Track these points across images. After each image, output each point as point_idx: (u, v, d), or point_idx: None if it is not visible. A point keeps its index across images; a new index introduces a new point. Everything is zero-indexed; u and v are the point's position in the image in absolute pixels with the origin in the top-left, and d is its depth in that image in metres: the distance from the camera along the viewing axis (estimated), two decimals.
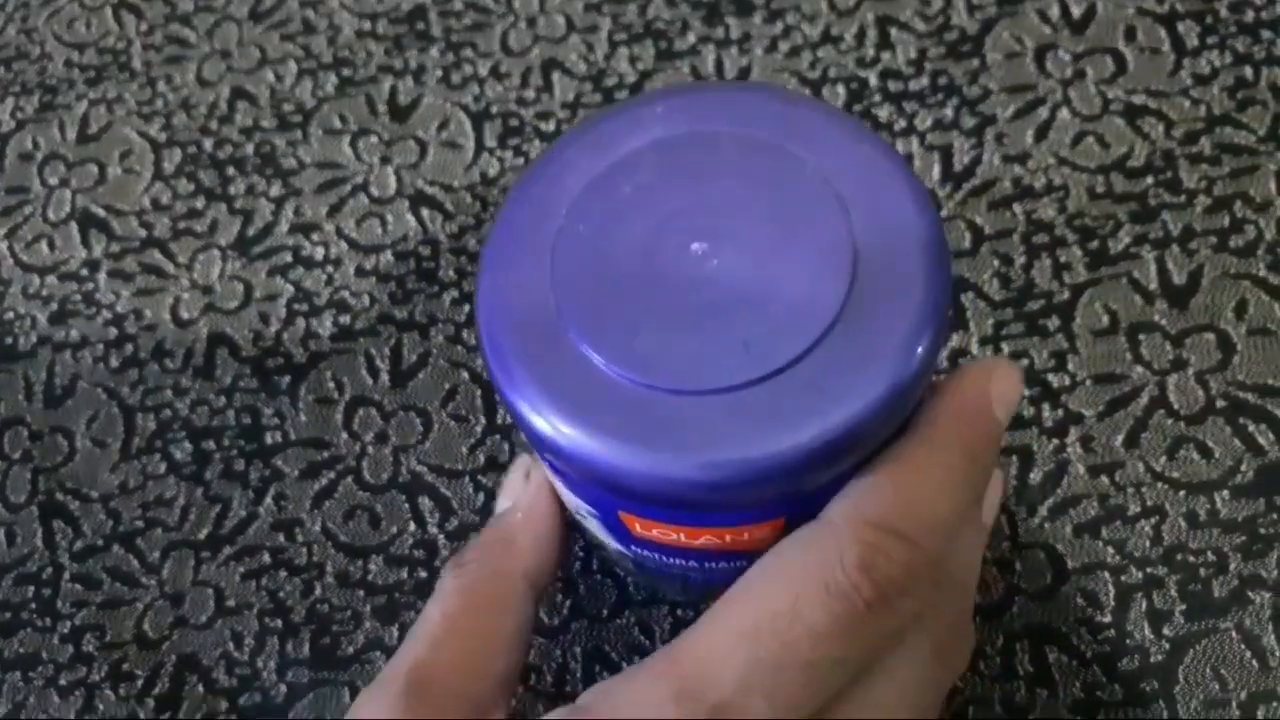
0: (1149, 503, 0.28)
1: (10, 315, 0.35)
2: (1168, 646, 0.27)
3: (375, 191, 0.35)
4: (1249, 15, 0.34)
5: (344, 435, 0.32)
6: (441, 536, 0.30)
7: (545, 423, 0.21)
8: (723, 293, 0.21)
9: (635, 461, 0.20)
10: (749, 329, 0.20)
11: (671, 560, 0.24)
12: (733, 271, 0.21)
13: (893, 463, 0.21)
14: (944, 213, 0.33)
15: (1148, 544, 0.28)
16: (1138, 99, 0.33)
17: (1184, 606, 0.27)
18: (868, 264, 0.21)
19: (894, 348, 0.20)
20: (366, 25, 0.38)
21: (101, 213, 0.36)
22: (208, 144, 0.37)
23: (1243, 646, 0.26)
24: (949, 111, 0.34)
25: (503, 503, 0.26)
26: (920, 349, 0.20)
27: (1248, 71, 0.33)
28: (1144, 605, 0.27)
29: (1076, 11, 0.35)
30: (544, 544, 0.25)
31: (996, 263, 0.32)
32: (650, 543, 0.23)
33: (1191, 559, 0.27)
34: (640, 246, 0.21)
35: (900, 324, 0.20)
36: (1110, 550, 0.28)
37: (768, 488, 0.20)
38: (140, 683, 0.29)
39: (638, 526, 0.22)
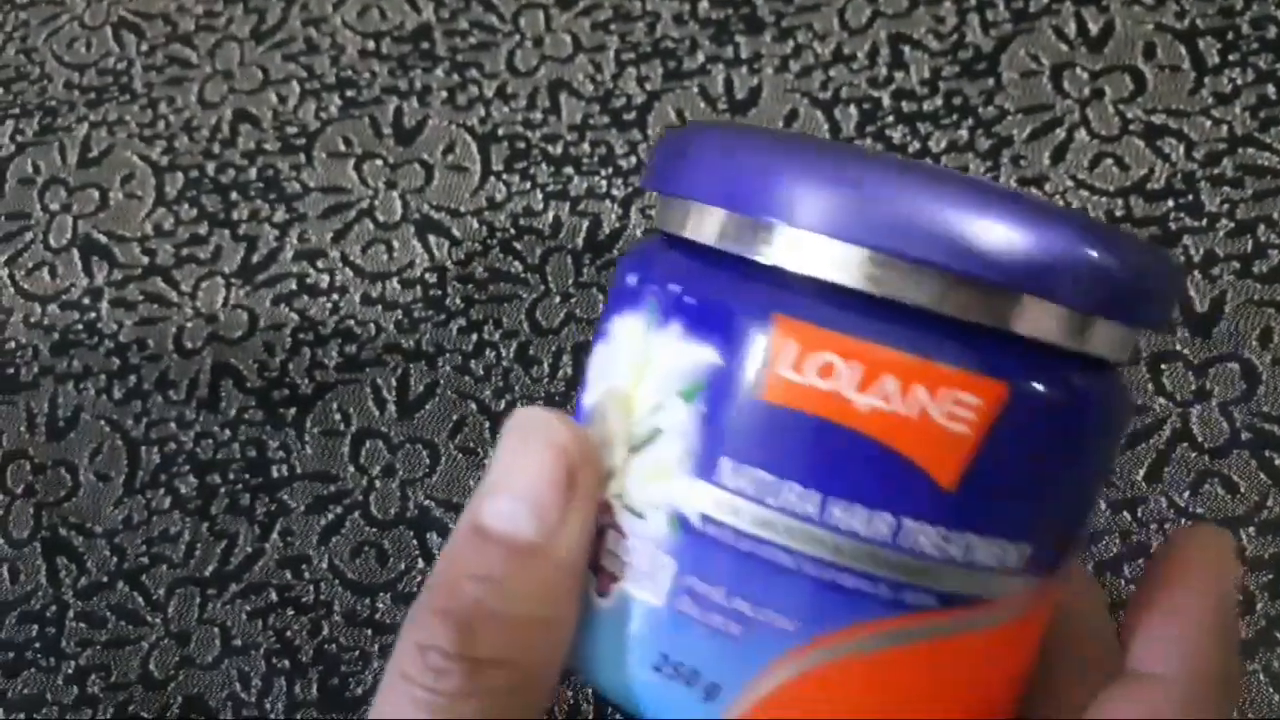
0: None
1: (11, 345, 0.34)
2: None
3: (381, 217, 0.35)
4: (1271, 31, 0.34)
5: (351, 468, 0.31)
6: None
7: None
8: None
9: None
10: None
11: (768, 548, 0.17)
12: None
13: None
14: None
15: None
16: (1157, 119, 0.33)
17: None
18: None
19: None
20: (370, 45, 0.37)
21: (103, 239, 0.36)
22: (210, 168, 0.36)
23: (1270, 690, 0.26)
24: (964, 133, 0.33)
25: (510, 504, 0.17)
26: None
27: (1270, 90, 0.33)
28: None
29: (1094, 28, 0.34)
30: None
31: None
32: (786, 414, 0.16)
33: None
34: None
35: None
36: (1133, 589, 0.27)
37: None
38: None
39: (794, 347, 0.16)
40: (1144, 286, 0.17)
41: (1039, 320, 0.16)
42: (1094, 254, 0.16)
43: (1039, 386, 0.17)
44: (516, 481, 0.17)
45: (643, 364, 0.18)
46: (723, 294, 0.17)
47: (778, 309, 0.17)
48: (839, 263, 0.17)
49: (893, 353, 0.16)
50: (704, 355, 0.17)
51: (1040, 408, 0.17)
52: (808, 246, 0.17)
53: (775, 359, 0.17)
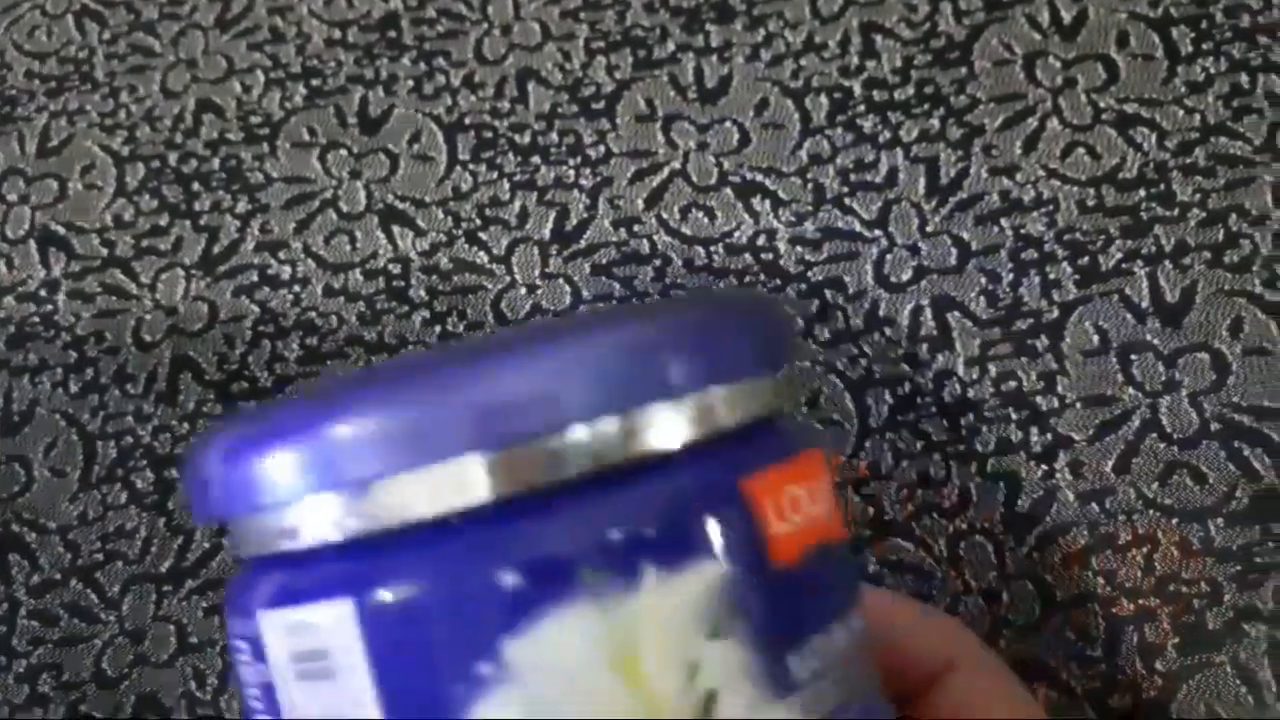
0: (1140, 531, 0.27)
1: None
2: (1160, 682, 0.26)
3: (344, 207, 0.34)
4: (1245, 20, 0.33)
5: None
6: None
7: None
8: None
9: None
10: None
11: None
12: None
13: None
14: (929, 228, 0.32)
15: (1139, 574, 0.27)
16: (1130, 108, 0.32)
17: (1177, 640, 0.26)
18: None
19: None
20: (336, 34, 0.37)
21: (61, 230, 0.35)
22: (172, 158, 0.36)
23: (1237, 681, 0.26)
24: (935, 122, 0.33)
25: None
26: None
27: (1244, 79, 0.32)
28: (1135, 639, 0.26)
29: (1067, 16, 0.34)
30: None
31: (983, 280, 0.31)
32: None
33: (1185, 590, 0.27)
34: None
35: None
36: (1100, 581, 0.27)
37: None
38: None
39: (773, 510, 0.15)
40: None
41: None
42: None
43: None
44: None
45: (630, 641, 0.13)
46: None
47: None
48: None
49: None
50: (707, 573, 0.14)
51: None
52: None
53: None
